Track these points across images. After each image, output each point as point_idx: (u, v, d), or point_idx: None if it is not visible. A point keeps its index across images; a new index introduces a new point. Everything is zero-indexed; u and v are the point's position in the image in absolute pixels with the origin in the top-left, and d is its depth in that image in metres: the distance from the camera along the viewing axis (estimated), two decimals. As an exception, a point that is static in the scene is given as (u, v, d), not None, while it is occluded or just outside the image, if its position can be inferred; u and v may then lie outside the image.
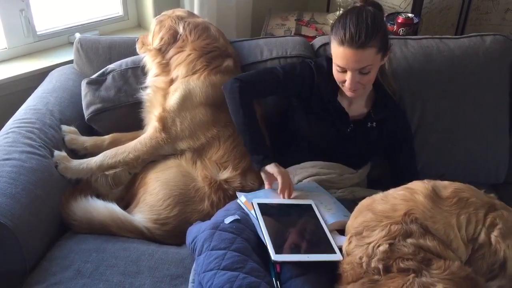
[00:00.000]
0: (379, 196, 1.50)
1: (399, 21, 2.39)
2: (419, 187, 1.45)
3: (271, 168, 1.69)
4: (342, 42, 1.64)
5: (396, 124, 1.88)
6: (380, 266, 1.32)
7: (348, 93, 1.75)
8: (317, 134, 1.86)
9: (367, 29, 1.62)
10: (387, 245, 1.34)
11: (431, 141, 2.02)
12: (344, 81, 1.72)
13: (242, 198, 1.61)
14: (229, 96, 1.77)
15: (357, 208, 1.53)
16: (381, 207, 1.44)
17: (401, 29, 2.38)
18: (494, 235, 1.38)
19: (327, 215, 1.61)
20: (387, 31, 1.74)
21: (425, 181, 1.48)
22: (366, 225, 1.42)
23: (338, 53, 1.67)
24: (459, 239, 1.39)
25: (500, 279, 1.39)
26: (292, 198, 1.67)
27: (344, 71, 1.70)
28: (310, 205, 1.64)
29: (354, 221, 1.48)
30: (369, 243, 1.37)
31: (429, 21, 2.67)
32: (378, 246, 1.35)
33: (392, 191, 1.49)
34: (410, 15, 2.44)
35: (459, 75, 2.01)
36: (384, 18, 1.80)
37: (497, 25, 2.80)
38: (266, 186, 1.72)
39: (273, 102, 1.97)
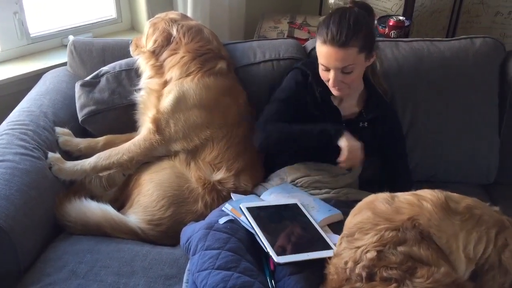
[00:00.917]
0: (384, 195, 1.47)
1: (391, 24, 2.42)
2: (429, 195, 1.42)
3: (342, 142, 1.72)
4: (324, 41, 1.69)
5: (388, 124, 1.90)
6: (364, 274, 1.30)
7: (334, 92, 1.78)
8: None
9: (349, 28, 1.66)
10: (375, 252, 1.32)
11: (422, 141, 2.05)
12: (328, 79, 1.75)
13: (227, 207, 1.62)
14: (268, 141, 1.79)
15: (358, 205, 1.50)
16: (384, 207, 1.41)
17: (392, 31, 2.41)
18: (505, 256, 1.37)
19: (313, 212, 1.64)
20: (372, 32, 1.76)
21: (436, 190, 1.45)
22: (361, 226, 1.40)
23: (321, 51, 1.72)
24: (461, 252, 1.36)
25: None
26: (277, 199, 1.70)
27: (328, 69, 1.73)
28: (296, 205, 1.66)
29: (352, 219, 1.46)
30: (358, 247, 1.35)
31: (420, 24, 2.70)
32: (367, 251, 1.33)
33: (400, 194, 1.46)
34: (401, 18, 2.47)
35: (449, 77, 2.03)
36: (375, 21, 1.82)
37: (487, 28, 2.83)
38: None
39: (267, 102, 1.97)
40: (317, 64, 1.81)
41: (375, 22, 1.85)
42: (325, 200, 1.76)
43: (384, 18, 2.50)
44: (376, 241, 1.34)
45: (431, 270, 1.28)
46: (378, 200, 1.45)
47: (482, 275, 1.37)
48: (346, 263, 1.34)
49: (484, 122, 2.07)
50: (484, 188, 2.12)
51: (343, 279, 1.33)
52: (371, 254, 1.32)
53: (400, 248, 1.32)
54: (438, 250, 1.33)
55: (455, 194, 1.46)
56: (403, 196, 1.44)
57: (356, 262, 1.33)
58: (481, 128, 2.06)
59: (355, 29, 1.67)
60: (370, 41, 1.73)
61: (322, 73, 1.77)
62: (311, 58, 2.00)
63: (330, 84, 1.75)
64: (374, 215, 1.41)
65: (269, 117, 1.82)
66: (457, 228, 1.37)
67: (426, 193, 1.44)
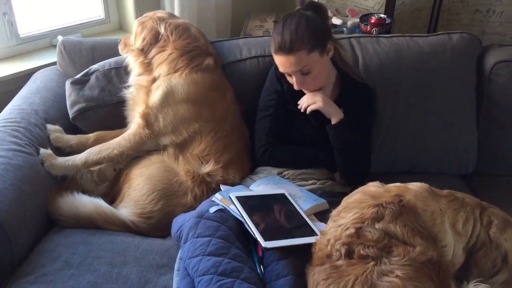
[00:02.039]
0: (377, 183, 1.56)
1: (372, 21, 2.48)
2: (414, 183, 1.53)
3: None
4: (274, 51, 1.77)
5: (361, 104, 1.92)
6: (343, 250, 1.36)
7: (306, 91, 1.84)
8: (295, 131, 1.92)
9: (291, 34, 1.72)
10: (354, 229, 1.38)
11: (402, 133, 2.10)
12: (292, 83, 1.81)
13: (217, 196, 1.67)
14: (271, 162, 1.90)
15: (362, 187, 1.58)
16: (374, 189, 1.51)
17: (374, 29, 2.47)
18: (492, 231, 1.46)
19: (299, 202, 1.70)
20: (318, 29, 1.77)
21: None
22: (346, 206, 1.48)
23: (276, 60, 1.80)
24: (446, 225, 1.44)
25: (503, 272, 1.45)
26: (265, 189, 1.76)
27: (289, 75, 1.80)
28: (283, 194, 1.72)
29: (343, 202, 1.54)
30: (341, 225, 1.42)
31: (401, 22, 2.77)
32: (346, 229, 1.39)
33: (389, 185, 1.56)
34: (382, 15, 2.54)
35: (428, 70, 2.09)
36: (329, 17, 1.84)
37: (467, 25, 2.90)
38: None
39: (255, 103, 2.01)
40: None
41: (330, 17, 1.87)
42: (311, 191, 1.82)
43: (366, 16, 2.57)
44: (356, 218, 1.41)
45: (407, 249, 1.34)
46: (370, 185, 1.55)
47: (475, 253, 1.46)
48: (328, 240, 1.41)
49: (462, 114, 2.13)
50: (463, 179, 2.18)
51: (325, 255, 1.39)
52: (350, 231, 1.38)
53: (378, 225, 1.39)
54: (414, 229, 1.39)
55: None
56: (392, 184, 1.55)
57: (336, 239, 1.39)
58: (460, 120, 2.12)
59: (297, 33, 1.72)
60: (319, 39, 1.76)
61: (288, 78, 1.84)
62: None
63: (295, 86, 1.81)
64: (362, 195, 1.49)
65: (264, 136, 1.90)
66: (443, 206, 1.46)
67: (412, 183, 1.54)
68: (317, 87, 1.84)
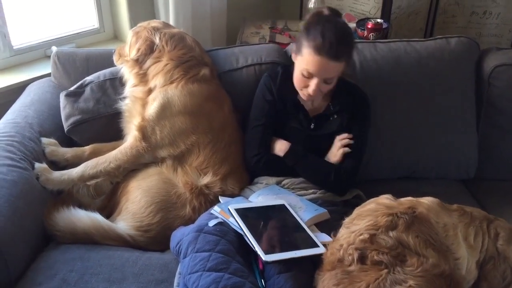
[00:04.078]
0: (389, 196, 1.57)
1: (369, 26, 2.47)
2: (426, 198, 1.55)
3: None
4: (318, 51, 1.69)
5: (355, 109, 1.90)
6: (356, 255, 1.35)
7: (305, 98, 1.82)
8: (287, 137, 1.90)
9: (338, 41, 1.69)
10: (368, 235, 1.38)
11: (402, 138, 2.09)
12: (306, 87, 1.78)
13: (216, 209, 1.65)
14: (265, 171, 1.89)
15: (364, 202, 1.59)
16: (387, 201, 1.51)
17: (371, 34, 2.46)
18: (499, 244, 1.47)
19: (300, 212, 1.68)
20: (354, 43, 1.83)
21: None
22: (359, 214, 1.48)
23: (312, 60, 1.72)
24: (459, 238, 1.44)
25: None
26: (265, 200, 1.73)
27: (310, 76, 1.75)
28: (283, 205, 1.70)
29: (355, 211, 1.54)
30: (354, 231, 1.41)
31: (398, 26, 2.76)
32: (360, 234, 1.39)
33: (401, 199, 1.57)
34: (379, 20, 2.53)
35: (426, 75, 2.09)
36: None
37: (463, 27, 2.90)
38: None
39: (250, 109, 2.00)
40: (281, 71, 1.88)
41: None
42: (312, 200, 1.80)
43: (363, 21, 2.56)
44: (370, 225, 1.40)
45: (421, 260, 1.33)
46: (383, 197, 1.55)
47: (484, 266, 1.46)
48: (341, 245, 1.40)
49: (462, 119, 2.12)
50: (464, 183, 2.17)
51: (336, 259, 1.38)
52: (363, 236, 1.38)
53: (392, 233, 1.38)
54: (426, 240, 1.39)
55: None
56: (404, 198, 1.55)
57: (349, 244, 1.39)
58: (459, 124, 2.12)
59: (344, 42, 1.72)
60: (353, 53, 1.81)
61: (301, 80, 1.79)
62: (273, 69, 2.03)
63: (308, 91, 1.77)
64: (376, 205, 1.49)
65: (256, 146, 1.88)
66: (455, 220, 1.47)
67: (422, 198, 1.56)
68: (321, 96, 1.84)
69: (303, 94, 1.82)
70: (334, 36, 1.69)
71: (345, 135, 1.84)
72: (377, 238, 1.38)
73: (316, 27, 1.73)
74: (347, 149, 1.81)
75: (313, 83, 1.75)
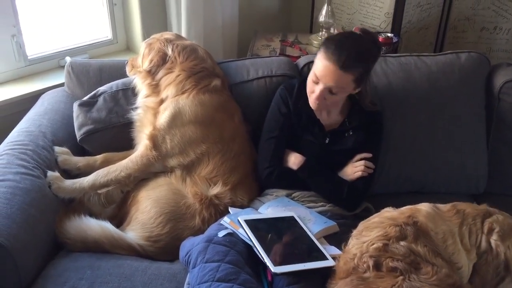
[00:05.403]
0: (389, 208, 1.60)
1: (380, 40, 2.48)
2: (422, 203, 1.57)
3: None
4: (329, 57, 1.72)
5: (370, 131, 1.91)
6: (371, 262, 1.36)
7: (312, 104, 1.83)
8: (301, 150, 1.91)
9: (351, 53, 1.71)
10: (381, 244, 1.40)
11: (411, 153, 2.09)
12: (313, 92, 1.80)
13: (226, 219, 1.66)
14: (277, 183, 1.89)
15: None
16: (389, 214, 1.53)
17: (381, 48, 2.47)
18: (493, 239, 1.48)
19: (309, 225, 1.68)
20: (371, 66, 1.82)
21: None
22: (367, 226, 1.49)
23: (320, 64, 1.76)
24: (459, 245, 1.46)
25: (508, 281, 1.47)
26: (274, 212, 1.74)
27: (317, 82, 1.78)
28: (293, 217, 1.70)
29: (359, 226, 1.55)
30: (365, 242, 1.43)
31: (408, 40, 2.77)
32: (373, 244, 1.40)
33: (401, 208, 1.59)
34: (389, 34, 2.54)
35: (436, 90, 2.09)
36: (378, 57, 1.87)
37: (473, 43, 2.91)
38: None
39: (262, 123, 2.01)
40: (297, 85, 1.90)
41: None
42: (321, 213, 1.80)
43: (373, 35, 2.57)
44: (382, 235, 1.42)
45: (435, 269, 1.35)
46: (384, 210, 1.58)
47: (477, 261, 1.48)
48: (354, 254, 1.41)
49: (472, 134, 2.12)
50: (474, 199, 2.16)
51: (351, 267, 1.39)
52: (377, 245, 1.40)
53: (402, 243, 1.40)
54: (433, 250, 1.41)
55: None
56: (404, 208, 1.58)
57: (363, 253, 1.40)
58: (469, 139, 2.11)
59: (360, 59, 1.73)
60: (366, 76, 1.81)
61: (310, 84, 1.82)
62: (289, 81, 2.04)
63: (313, 96, 1.80)
64: (380, 218, 1.51)
65: (269, 158, 1.89)
66: (449, 224, 1.48)
67: (419, 204, 1.58)
68: (328, 108, 1.85)
69: (311, 101, 1.84)
70: (348, 47, 1.72)
71: (364, 155, 1.86)
72: (390, 247, 1.40)
73: (337, 37, 1.80)
74: (365, 173, 1.83)
75: (318, 88, 1.77)
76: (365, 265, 1.37)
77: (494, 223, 1.51)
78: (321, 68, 1.75)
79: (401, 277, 1.33)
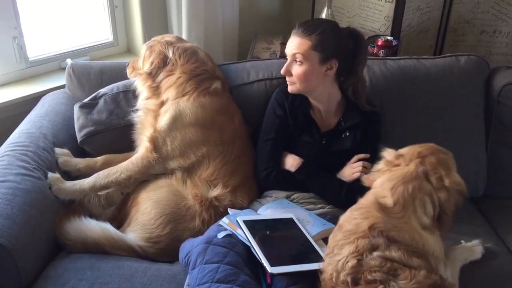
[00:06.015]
0: (347, 213, 1.57)
1: (379, 43, 2.50)
2: (367, 202, 1.54)
3: None
4: (292, 32, 1.86)
5: (367, 131, 1.92)
6: (349, 279, 1.37)
7: (288, 88, 1.90)
8: (299, 152, 1.91)
9: (314, 26, 1.82)
10: (355, 261, 1.39)
11: (411, 156, 2.09)
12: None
13: (225, 220, 1.67)
14: (275, 184, 1.90)
15: (337, 225, 1.59)
16: (349, 226, 1.51)
17: (381, 51, 2.49)
18: (447, 183, 1.51)
19: (308, 227, 1.69)
20: (335, 43, 1.83)
21: (367, 194, 1.58)
22: (335, 244, 1.48)
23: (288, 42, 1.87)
24: (424, 234, 1.46)
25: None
26: (273, 214, 1.74)
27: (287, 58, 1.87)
28: (291, 219, 1.71)
29: (330, 241, 1.54)
30: (339, 260, 1.42)
31: (408, 43, 2.78)
32: (347, 262, 1.40)
33: (349, 213, 1.56)
34: (389, 37, 2.56)
35: (435, 93, 2.10)
36: (363, 48, 1.90)
37: (473, 46, 2.91)
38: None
39: (261, 123, 2.02)
40: None
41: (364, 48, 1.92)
42: (320, 215, 1.81)
43: (373, 38, 2.59)
44: (353, 251, 1.42)
45: (413, 272, 1.35)
46: (345, 220, 1.55)
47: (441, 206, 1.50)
48: (331, 274, 1.41)
49: (471, 137, 2.12)
50: (473, 201, 2.16)
51: (331, 286, 1.40)
52: (352, 263, 1.40)
53: (375, 253, 1.40)
54: (407, 250, 1.41)
55: (373, 178, 1.60)
56: (353, 213, 1.54)
57: (339, 272, 1.40)
58: (468, 142, 2.12)
59: (318, 29, 1.81)
60: (327, 48, 1.81)
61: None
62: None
63: (282, 71, 1.88)
64: (343, 234, 1.49)
65: (266, 160, 1.90)
66: (405, 220, 1.46)
67: (365, 202, 1.55)
68: (297, 84, 1.88)
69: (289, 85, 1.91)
70: (312, 21, 1.84)
71: (362, 155, 1.86)
72: (365, 261, 1.39)
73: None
74: (363, 174, 1.80)
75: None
76: (343, 285, 1.38)
77: (434, 169, 1.52)
78: (287, 44, 1.86)
79: (380, 286, 1.34)
